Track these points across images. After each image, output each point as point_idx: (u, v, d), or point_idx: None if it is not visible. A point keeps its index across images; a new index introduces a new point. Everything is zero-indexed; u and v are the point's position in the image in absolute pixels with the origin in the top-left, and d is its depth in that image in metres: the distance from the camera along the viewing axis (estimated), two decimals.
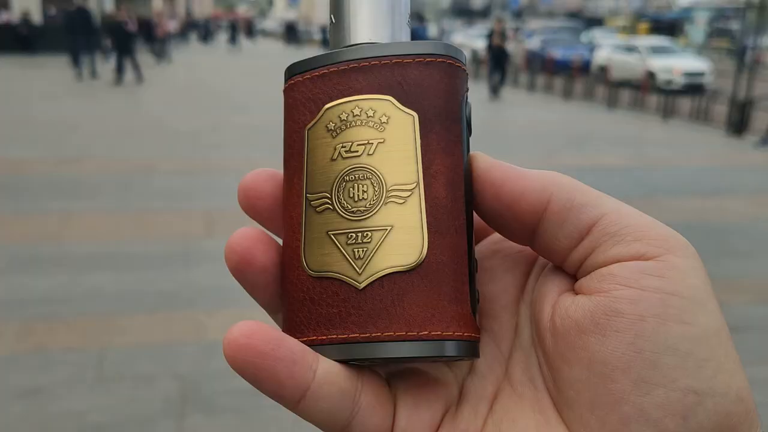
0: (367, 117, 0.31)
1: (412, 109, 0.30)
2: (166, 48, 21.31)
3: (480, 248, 0.34)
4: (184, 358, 3.10)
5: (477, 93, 15.53)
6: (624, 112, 12.90)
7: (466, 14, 65.23)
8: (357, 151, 0.30)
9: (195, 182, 6.37)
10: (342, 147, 0.30)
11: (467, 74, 0.33)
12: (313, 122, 0.31)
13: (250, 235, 0.31)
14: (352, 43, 0.33)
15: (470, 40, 26.90)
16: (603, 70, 18.73)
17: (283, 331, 0.30)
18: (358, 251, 0.29)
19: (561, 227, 0.29)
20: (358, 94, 0.31)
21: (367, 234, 0.29)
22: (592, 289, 0.28)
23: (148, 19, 22.27)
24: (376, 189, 0.30)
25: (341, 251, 0.29)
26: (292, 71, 0.33)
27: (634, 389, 0.25)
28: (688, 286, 0.27)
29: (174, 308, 3.63)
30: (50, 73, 15.59)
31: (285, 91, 0.34)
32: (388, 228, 0.29)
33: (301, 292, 0.30)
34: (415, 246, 0.29)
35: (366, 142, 0.30)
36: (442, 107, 0.31)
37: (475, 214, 0.32)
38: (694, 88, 15.67)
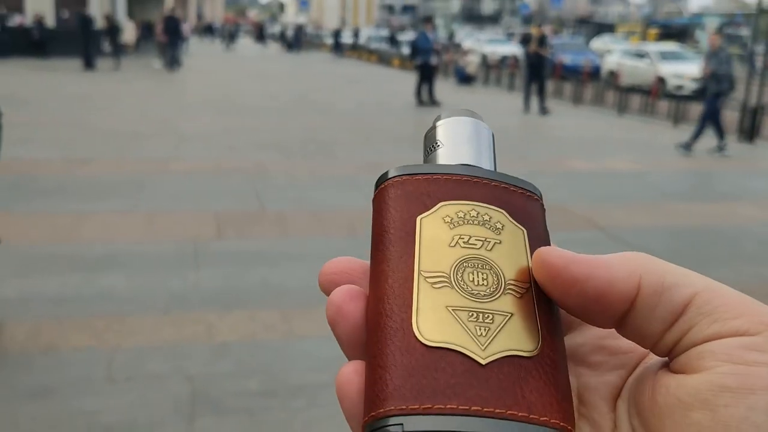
0: (484, 220, 0.34)
1: (523, 226, 0.34)
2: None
3: (585, 341, 0.35)
4: (195, 359, 3.11)
5: (500, 101, 15.55)
6: (634, 118, 12.86)
7: (476, 20, 65.23)
8: (476, 245, 0.33)
9: (206, 184, 6.38)
10: (460, 238, 0.33)
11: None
12: (427, 213, 0.34)
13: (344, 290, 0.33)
14: (461, 163, 0.37)
15: (480, 45, 26.91)
16: (612, 75, 18.70)
17: (376, 403, 0.29)
18: (480, 329, 0.30)
19: (653, 311, 0.29)
20: (474, 200, 0.34)
21: (488, 315, 0.31)
22: (693, 367, 0.27)
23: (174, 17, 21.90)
24: (496, 279, 0.32)
25: (462, 326, 0.30)
26: (396, 173, 0.36)
27: None
28: None
29: (184, 309, 3.64)
30: (62, 75, 15.71)
31: (385, 188, 0.36)
32: (509, 314, 0.31)
33: (411, 359, 0.30)
34: (533, 336, 0.31)
35: (484, 239, 0.33)
36: (541, 234, 0.35)
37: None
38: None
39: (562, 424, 0.29)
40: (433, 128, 0.39)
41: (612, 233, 5.35)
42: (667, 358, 0.29)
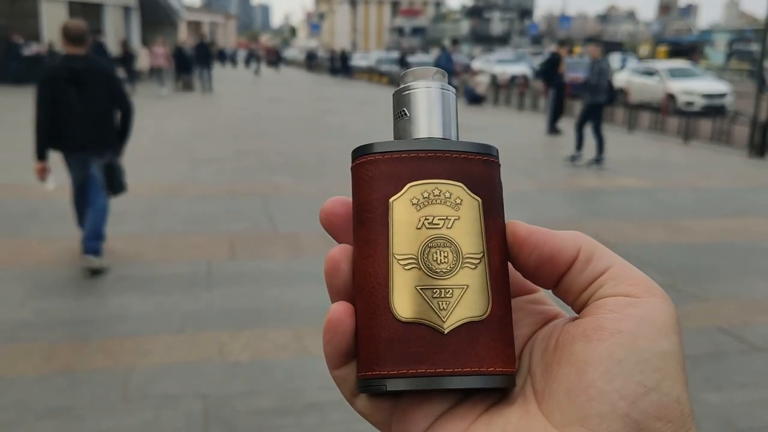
0: (445, 197, 0.39)
1: (478, 196, 0.40)
2: (202, 78, 21.16)
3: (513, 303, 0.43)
4: (208, 379, 3.14)
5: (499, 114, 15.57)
6: (644, 135, 12.86)
7: (485, 41, 65.62)
8: (438, 224, 0.39)
9: (219, 206, 6.46)
10: (425, 219, 0.39)
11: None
12: (397, 195, 0.39)
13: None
14: (425, 136, 0.42)
15: (490, 65, 27.05)
16: (622, 92, 18.71)
17: (367, 366, 0.39)
18: (442, 303, 0.38)
19: (581, 274, 0.38)
20: (436, 178, 0.40)
21: (449, 290, 0.38)
22: (588, 314, 0.37)
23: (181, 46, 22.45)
24: (455, 255, 0.39)
25: (428, 303, 0.38)
26: (365, 150, 0.41)
27: (600, 378, 0.34)
28: (659, 319, 0.35)
29: (198, 329, 3.68)
30: None
31: (362, 165, 0.41)
32: (465, 287, 0.39)
33: (390, 333, 0.38)
34: (484, 302, 0.39)
35: (445, 217, 0.39)
36: (495, 197, 0.41)
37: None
38: (714, 109, 15.59)
39: (505, 369, 0.38)
40: (402, 94, 0.43)
41: (622, 250, 5.34)
42: (578, 315, 0.38)
